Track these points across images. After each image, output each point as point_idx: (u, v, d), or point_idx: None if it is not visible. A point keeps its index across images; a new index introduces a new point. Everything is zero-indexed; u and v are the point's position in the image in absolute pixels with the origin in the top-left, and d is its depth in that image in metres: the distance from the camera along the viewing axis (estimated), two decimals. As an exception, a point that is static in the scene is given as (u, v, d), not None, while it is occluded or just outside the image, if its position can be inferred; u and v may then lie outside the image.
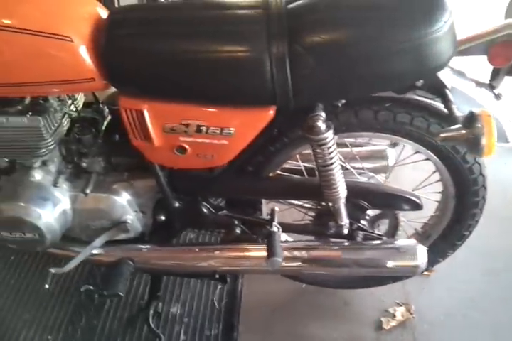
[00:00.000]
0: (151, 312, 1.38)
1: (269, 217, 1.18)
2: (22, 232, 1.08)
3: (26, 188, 1.08)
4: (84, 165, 1.14)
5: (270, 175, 1.18)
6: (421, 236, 1.36)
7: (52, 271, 1.15)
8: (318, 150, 1.02)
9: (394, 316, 1.46)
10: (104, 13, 1.00)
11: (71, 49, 0.92)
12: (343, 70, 0.89)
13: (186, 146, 1.01)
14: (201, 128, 0.98)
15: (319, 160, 1.04)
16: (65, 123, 1.12)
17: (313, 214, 1.26)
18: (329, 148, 1.01)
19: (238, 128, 0.98)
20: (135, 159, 1.17)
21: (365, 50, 0.88)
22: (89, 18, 0.96)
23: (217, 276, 1.17)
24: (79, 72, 0.94)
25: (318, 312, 1.48)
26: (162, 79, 0.94)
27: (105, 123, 1.16)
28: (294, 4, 0.92)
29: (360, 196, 1.14)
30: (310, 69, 0.88)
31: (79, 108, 1.16)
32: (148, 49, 0.93)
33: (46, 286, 1.14)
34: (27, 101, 1.04)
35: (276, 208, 1.19)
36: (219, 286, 1.52)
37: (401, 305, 1.49)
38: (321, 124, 0.96)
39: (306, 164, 1.24)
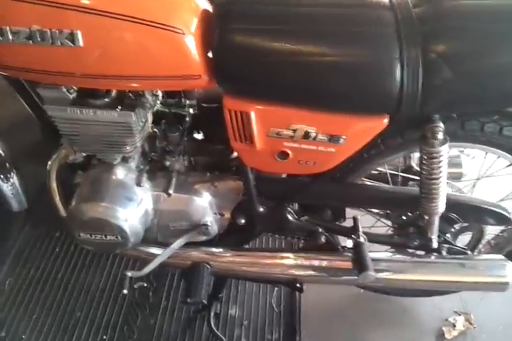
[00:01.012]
0: (213, 313, 1.34)
1: (352, 225, 1.14)
2: (104, 234, 1.01)
3: (110, 187, 1.02)
4: (167, 163, 1.08)
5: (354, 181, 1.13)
6: (493, 248, 1.32)
7: (129, 274, 1.09)
8: (427, 162, 0.97)
9: (454, 326, 1.44)
10: (206, 4, 0.93)
11: (181, 42, 0.84)
12: (478, 83, 0.84)
13: (289, 152, 0.95)
14: (309, 134, 0.92)
15: (426, 172, 0.99)
16: (150, 119, 1.05)
17: (394, 223, 1.21)
18: (440, 161, 0.96)
19: (349, 136, 0.92)
20: (217, 159, 1.12)
21: (504, 64, 0.82)
22: (197, 9, 0.88)
23: (298, 285, 1.13)
24: (186, 67, 0.87)
25: (378, 319, 1.45)
26: (275, 81, 0.88)
27: (186, 119, 1.09)
28: (424, 8, 0.85)
29: (452, 209, 1.10)
30: (444, 79, 0.82)
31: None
32: (263, 48, 0.86)
33: (125, 291, 1.08)
34: (113, 93, 0.97)
35: (359, 216, 1.15)
36: (275, 289, 1.48)
37: (460, 315, 1.47)
38: (441, 136, 0.91)
39: (390, 171, 1.19)
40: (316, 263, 1.11)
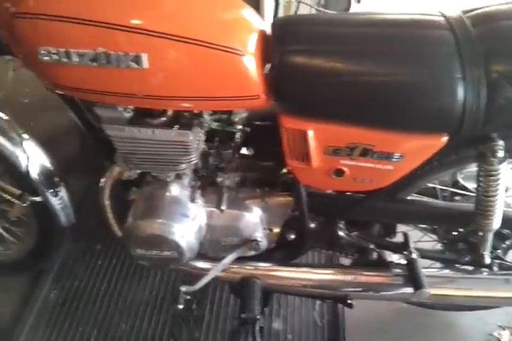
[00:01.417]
0: (258, 326, 1.35)
1: (402, 241, 1.13)
2: (160, 250, 1.03)
3: (166, 204, 1.03)
4: (219, 179, 1.09)
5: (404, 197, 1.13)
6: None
7: (183, 289, 1.10)
8: (484, 180, 0.96)
9: (499, 340, 1.42)
10: (262, 24, 0.94)
11: (241, 63, 0.85)
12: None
13: (345, 169, 0.96)
14: (367, 152, 0.92)
15: (482, 189, 0.98)
16: (203, 137, 1.06)
17: (442, 238, 1.21)
18: (499, 179, 0.95)
19: (408, 154, 0.92)
20: (266, 175, 1.13)
21: None
22: (255, 30, 0.89)
23: (349, 301, 1.12)
24: (245, 88, 0.88)
25: (421, 333, 1.43)
26: (335, 101, 0.88)
27: (237, 136, 1.10)
28: (481, 27, 0.85)
29: (505, 224, 1.09)
30: (507, 99, 0.82)
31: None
32: (323, 68, 0.87)
33: (180, 307, 1.09)
34: (170, 113, 0.99)
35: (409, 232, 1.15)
36: (317, 302, 1.47)
37: (504, 329, 1.45)
38: (501, 155, 0.91)
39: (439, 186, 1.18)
40: (367, 279, 1.11)
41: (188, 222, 1.03)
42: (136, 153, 1.00)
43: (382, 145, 0.91)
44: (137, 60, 0.82)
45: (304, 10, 1.61)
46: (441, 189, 1.19)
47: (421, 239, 1.29)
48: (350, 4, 1.63)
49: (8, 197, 1.18)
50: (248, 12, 0.92)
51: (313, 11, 1.68)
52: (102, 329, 1.39)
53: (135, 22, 0.81)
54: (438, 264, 1.24)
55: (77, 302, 1.45)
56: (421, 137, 0.90)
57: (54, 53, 0.82)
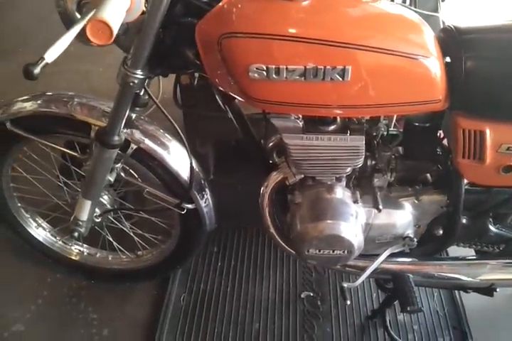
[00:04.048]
0: (388, 319, 1.42)
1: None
2: (333, 249, 1.08)
3: (334, 205, 1.09)
4: (375, 180, 1.15)
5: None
6: None
7: (345, 285, 1.16)
8: None
9: None
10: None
11: (431, 70, 0.91)
12: None
13: (515, 165, 1.02)
14: (539, 148, 0.99)
15: None
16: (363, 141, 1.11)
17: None
18: None
19: None
20: (416, 173, 1.19)
21: None
22: (432, 35, 0.95)
23: (497, 290, 1.19)
24: (431, 93, 0.94)
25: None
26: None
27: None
28: None
29: None
30: None
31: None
32: (506, 72, 0.93)
33: (348, 302, 1.15)
34: (339, 119, 1.05)
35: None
36: (435, 293, 1.54)
37: None
38: None
39: None
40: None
41: (356, 222, 1.09)
42: (308, 159, 1.06)
43: (553, 141, 0.98)
44: (343, 72, 0.87)
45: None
46: None
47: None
48: (439, 4, 1.69)
49: (168, 206, 1.22)
50: (420, 19, 0.98)
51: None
52: (237, 329, 1.44)
53: (342, 37, 0.86)
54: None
55: (208, 305, 1.50)
56: None
57: (264, 70, 0.88)
